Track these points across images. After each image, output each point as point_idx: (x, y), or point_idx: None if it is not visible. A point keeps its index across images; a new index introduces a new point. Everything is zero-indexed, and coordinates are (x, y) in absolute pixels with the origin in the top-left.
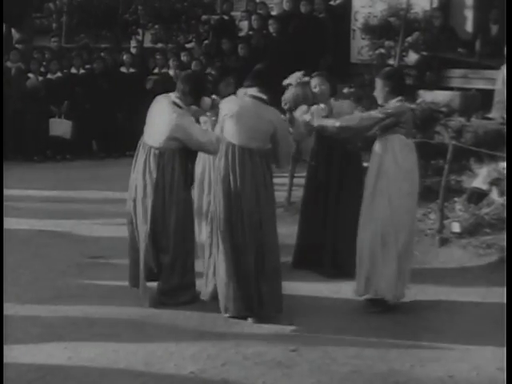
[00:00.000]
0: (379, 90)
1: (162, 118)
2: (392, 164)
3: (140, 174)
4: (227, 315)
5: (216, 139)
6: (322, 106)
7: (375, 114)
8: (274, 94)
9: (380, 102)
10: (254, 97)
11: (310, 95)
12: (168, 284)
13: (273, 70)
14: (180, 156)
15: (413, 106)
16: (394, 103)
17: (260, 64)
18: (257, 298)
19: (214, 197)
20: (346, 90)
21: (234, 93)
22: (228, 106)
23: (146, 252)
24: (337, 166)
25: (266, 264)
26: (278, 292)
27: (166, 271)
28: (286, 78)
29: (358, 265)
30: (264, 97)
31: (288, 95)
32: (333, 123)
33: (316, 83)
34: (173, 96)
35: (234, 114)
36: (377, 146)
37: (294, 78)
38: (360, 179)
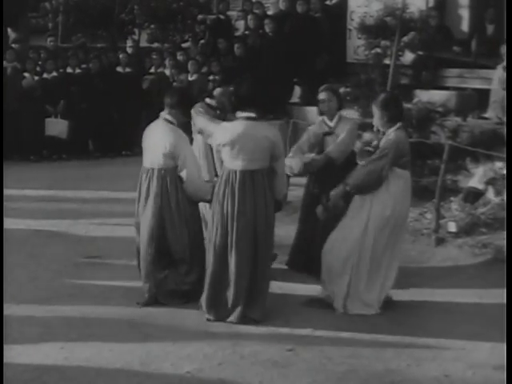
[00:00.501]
0: (377, 118)
1: (159, 139)
2: (384, 192)
3: (143, 198)
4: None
5: (203, 184)
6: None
7: (376, 162)
8: (261, 108)
9: (381, 129)
10: (245, 118)
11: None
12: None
13: (251, 86)
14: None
15: (409, 105)
16: (393, 134)
17: (237, 86)
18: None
19: (211, 222)
20: (342, 90)
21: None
22: (221, 134)
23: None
24: (335, 174)
25: (259, 282)
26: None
27: (181, 277)
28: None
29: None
30: (253, 115)
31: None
32: (342, 188)
33: (323, 98)
34: (163, 114)
35: (228, 141)
36: None
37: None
38: None
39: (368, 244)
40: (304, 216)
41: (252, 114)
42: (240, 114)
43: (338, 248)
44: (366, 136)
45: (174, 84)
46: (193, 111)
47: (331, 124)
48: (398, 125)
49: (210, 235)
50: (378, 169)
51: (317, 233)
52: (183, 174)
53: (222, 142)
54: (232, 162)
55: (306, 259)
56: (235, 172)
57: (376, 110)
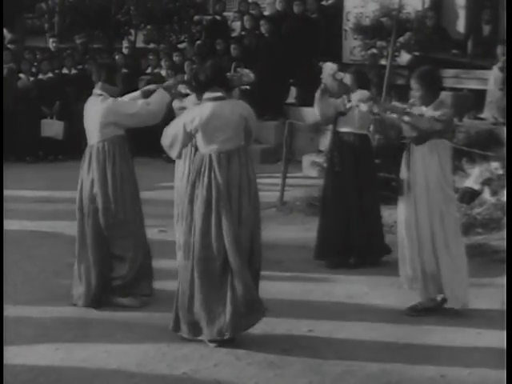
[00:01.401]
0: (422, 96)
1: (91, 113)
2: (439, 172)
3: (85, 173)
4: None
5: (145, 103)
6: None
7: (436, 119)
8: (227, 86)
9: (421, 103)
10: (213, 98)
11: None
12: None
13: (213, 67)
14: (120, 145)
15: (405, 106)
16: (446, 110)
17: (199, 69)
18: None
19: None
20: None
21: None
22: (190, 118)
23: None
24: (353, 165)
25: (253, 264)
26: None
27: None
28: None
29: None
30: (221, 94)
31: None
32: (400, 116)
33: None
34: (95, 91)
35: (199, 125)
36: (423, 150)
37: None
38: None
39: None
40: (325, 209)
41: (220, 93)
42: (207, 94)
43: None
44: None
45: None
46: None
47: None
48: (439, 99)
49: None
50: (436, 124)
51: (351, 221)
52: (127, 119)
53: (194, 126)
54: (207, 146)
55: (334, 248)
56: (211, 155)
57: (418, 86)
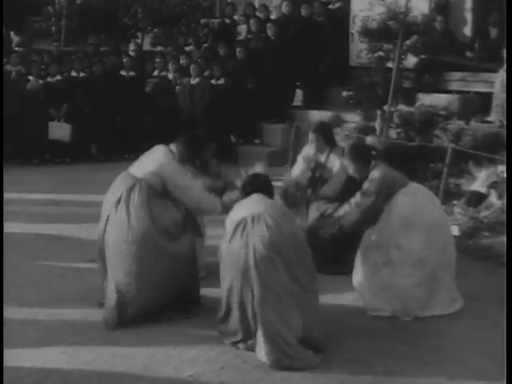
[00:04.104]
0: (355, 171)
1: (153, 156)
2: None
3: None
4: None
5: (201, 190)
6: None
7: (367, 202)
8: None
9: (360, 177)
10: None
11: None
12: None
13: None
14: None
15: (412, 109)
16: (374, 176)
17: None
18: None
19: None
20: (344, 94)
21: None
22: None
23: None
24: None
25: None
26: None
27: None
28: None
29: None
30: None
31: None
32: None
33: (312, 139)
34: (171, 146)
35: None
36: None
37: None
38: None
39: None
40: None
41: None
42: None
43: None
44: (369, 140)
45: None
46: None
47: (322, 158)
48: (373, 163)
49: None
50: (370, 207)
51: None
52: (173, 186)
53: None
54: None
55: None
56: None
57: (347, 162)
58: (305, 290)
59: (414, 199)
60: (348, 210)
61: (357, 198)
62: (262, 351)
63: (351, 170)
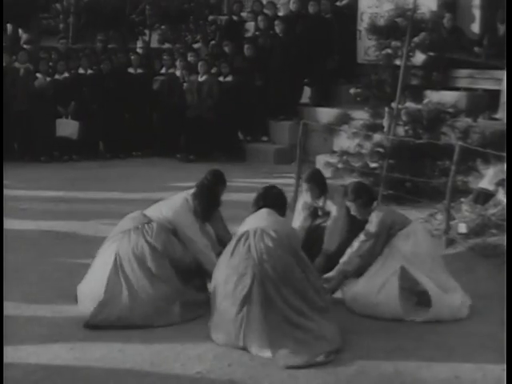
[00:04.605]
0: (357, 212)
1: (171, 202)
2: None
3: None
4: None
5: (208, 247)
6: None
7: (367, 246)
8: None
9: (361, 218)
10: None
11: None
12: None
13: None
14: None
15: (419, 106)
16: (374, 216)
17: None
18: None
19: None
20: (352, 91)
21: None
22: None
23: None
24: None
25: None
26: None
27: None
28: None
29: None
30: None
31: None
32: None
33: (306, 189)
34: (187, 196)
35: None
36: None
37: None
38: None
39: None
40: None
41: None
42: None
43: None
44: (376, 137)
45: None
46: None
47: (319, 203)
48: (375, 204)
49: None
50: (369, 250)
51: None
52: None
53: None
54: None
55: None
56: None
57: (350, 203)
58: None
59: (415, 240)
60: (350, 254)
61: (360, 238)
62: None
63: (352, 211)
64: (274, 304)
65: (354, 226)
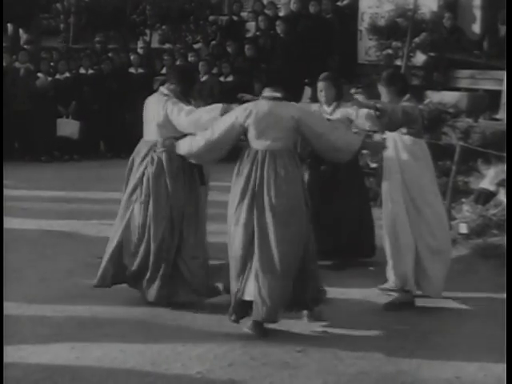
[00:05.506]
0: (386, 95)
1: (154, 111)
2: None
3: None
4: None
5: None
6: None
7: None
8: (288, 90)
9: (390, 106)
10: (268, 98)
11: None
12: None
13: (284, 68)
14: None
15: (420, 106)
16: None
17: (271, 65)
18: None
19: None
20: (353, 91)
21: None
22: (244, 113)
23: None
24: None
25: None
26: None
27: None
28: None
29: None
30: (278, 95)
31: None
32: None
33: (321, 88)
34: (161, 88)
35: (251, 122)
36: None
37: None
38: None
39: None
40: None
41: (277, 94)
42: (265, 91)
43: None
44: (377, 137)
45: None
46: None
47: (328, 110)
48: (407, 97)
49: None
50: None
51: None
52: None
53: (246, 120)
54: (256, 142)
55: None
56: (257, 152)
57: (382, 88)
58: None
59: None
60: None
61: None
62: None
63: (384, 97)
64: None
65: None
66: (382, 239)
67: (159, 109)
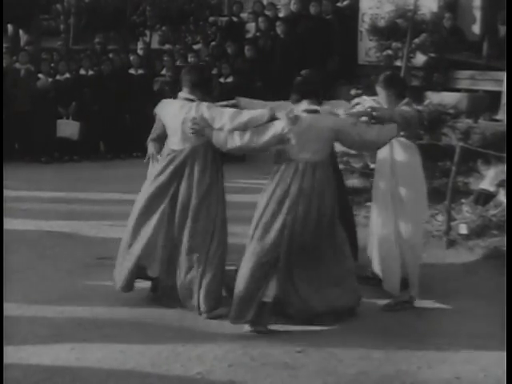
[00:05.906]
0: (384, 98)
1: (178, 118)
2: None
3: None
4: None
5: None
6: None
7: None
8: (321, 99)
9: (385, 111)
10: (308, 111)
11: None
12: None
13: (314, 77)
14: (212, 151)
15: (420, 107)
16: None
17: (299, 76)
18: None
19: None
20: (353, 92)
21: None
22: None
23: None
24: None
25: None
26: None
27: None
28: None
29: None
30: (317, 108)
31: None
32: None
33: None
34: (182, 94)
35: (293, 135)
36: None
37: None
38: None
39: None
40: None
41: (315, 107)
42: (302, 105)
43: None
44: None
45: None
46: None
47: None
48: (406, 100)
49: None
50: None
51: None
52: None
53: (289, 134)
54: (297, 154)
55: None
56: (298, 163)
57: (381, 90)
58: None
59: None
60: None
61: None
62: None
63: (381, 99)
64: None
65: None
66: (368, 248)
67: (189, 115)
